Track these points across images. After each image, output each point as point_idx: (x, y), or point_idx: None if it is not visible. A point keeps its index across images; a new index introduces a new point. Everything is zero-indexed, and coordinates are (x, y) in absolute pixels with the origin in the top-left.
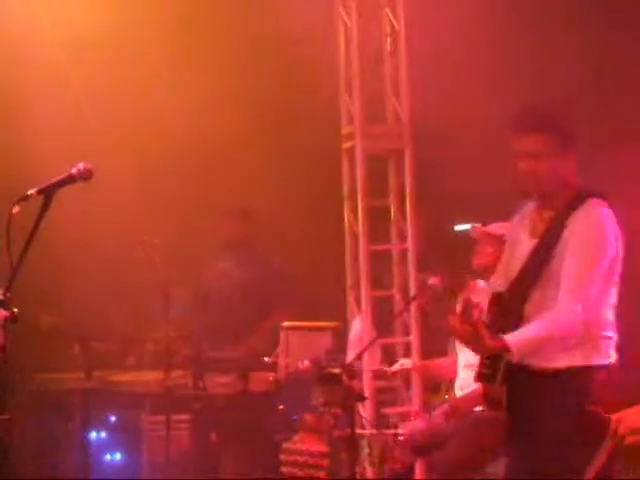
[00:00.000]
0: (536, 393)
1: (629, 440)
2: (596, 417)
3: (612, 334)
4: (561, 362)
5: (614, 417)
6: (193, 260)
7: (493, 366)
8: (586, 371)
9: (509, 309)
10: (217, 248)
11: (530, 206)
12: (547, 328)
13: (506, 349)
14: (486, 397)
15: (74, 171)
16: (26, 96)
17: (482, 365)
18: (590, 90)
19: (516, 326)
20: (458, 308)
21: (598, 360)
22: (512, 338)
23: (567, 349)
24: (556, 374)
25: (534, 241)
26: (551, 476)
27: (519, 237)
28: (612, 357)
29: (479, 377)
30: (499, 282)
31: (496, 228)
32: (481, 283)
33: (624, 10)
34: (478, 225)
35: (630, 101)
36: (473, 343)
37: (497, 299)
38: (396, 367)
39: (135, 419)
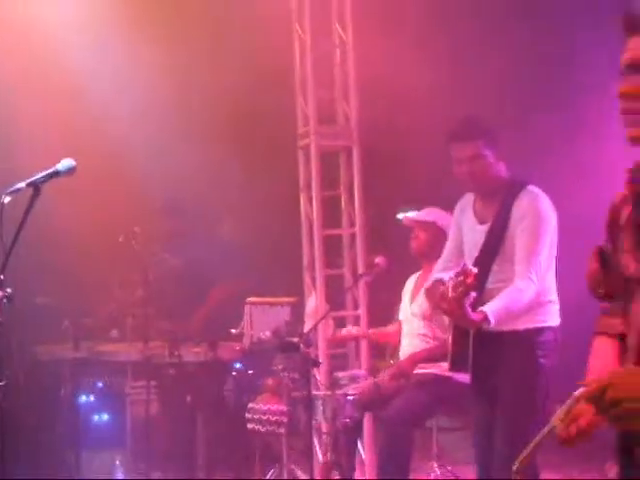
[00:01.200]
0: (497, 352)
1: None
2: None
3: (556, 299)
4: (518, 325)
5: (603, 380)
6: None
7: (464, 336)
8: (538, 331)
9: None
10: (160, 240)
11: (469, 198)
12: (514, 296)
13: (486, 319)
14: (452, 360)
15: (59, 166)
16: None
17: (454, 335)
18: (509, 99)
19: (479, 296)
20: (447, 291)
21: (547, 322)
22: (489, 309)
23: (525, 313)
24: (514, 335)
25: (485, 226)
26: (515, 418)
27: (468, 225)
28: (557, 320)
29: (453, 344)
30: (449, 263)
31: (426, 215)
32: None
33: (540, 39)
34: (408, 214)
35: (538, 110)
36: (460, 319)
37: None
38: (344, 331)
39: (119, 384)
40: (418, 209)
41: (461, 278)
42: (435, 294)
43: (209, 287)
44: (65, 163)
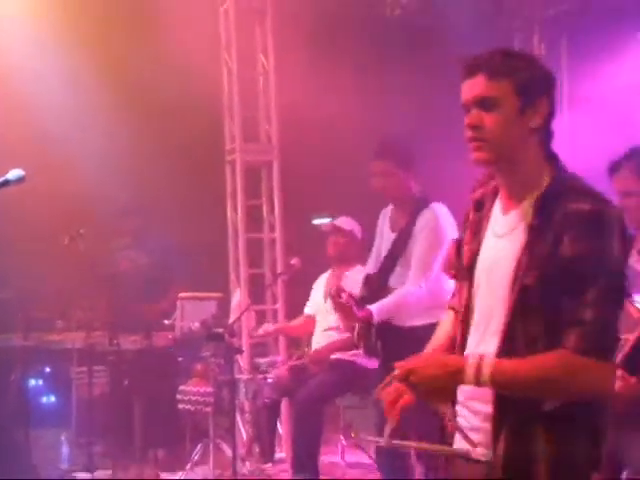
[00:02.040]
0: (400, 344)
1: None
2: None
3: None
4: (415, 321)
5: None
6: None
7: (366, 327)
8: (433, 326)
9: (378, 284)
10: (123, 238)
11: (389, 209)
12: (399, 297)
13: (371, 316)
14: (365, 349)
15: (9, 176)
16: None
17: (359, 327)
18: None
19: (384, 296)
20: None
21: (427, 320)
22: (374, 307)
23: (421, 312)
24: (412, 329)
25: (394, 234)
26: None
27: (384, 231)
28: (433, 318)
29: (359, 336)
30: (370, 268)
31: (342, 223)
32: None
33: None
34: (329, 221)
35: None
36: (348, 317)
37: (367, 280)
38: (260, 331)
39: (65, 370)
40: (330, 217)
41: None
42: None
43: (169, 283)
44: (15, 173)
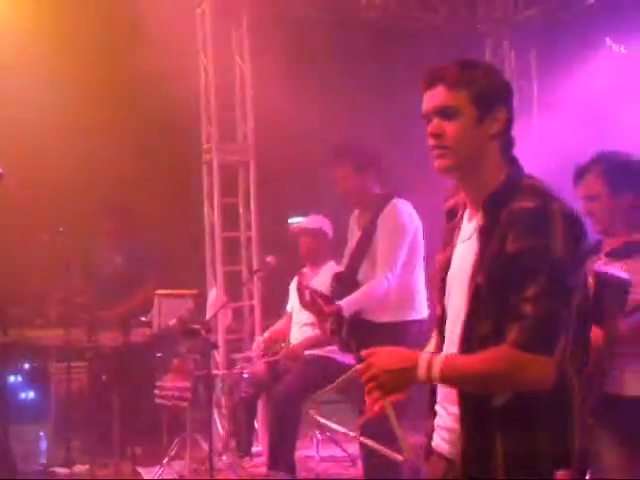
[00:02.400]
0: (371, 339)
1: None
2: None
3: (422, 295)
4: (386, 317)
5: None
6: (83, 245)
7: (338, 323)
8: (406, 324)
9: (348, 281)
10: (102, 237)
11: (356, 211)
12: (366, 291)
13: (341, 310)
14: (339, 344)
15: None
16: None
17: (332, 324)
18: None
19: (352, 288)
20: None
21: (413, 316)
22: (343, 301)
23: (390, 307)
24: (383, 325)
25: (360, 232)
26: None
27: (352, 230)
28: (424, 313)
29: (332, 332)
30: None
31: (310, 222)
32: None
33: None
34: (294, 223)
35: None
36: (317, 313)
37: (336, 277)
38: (255, 347)
39: (43, 366)
40: (304, 215)
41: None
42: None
43: (144, 279)
44: None
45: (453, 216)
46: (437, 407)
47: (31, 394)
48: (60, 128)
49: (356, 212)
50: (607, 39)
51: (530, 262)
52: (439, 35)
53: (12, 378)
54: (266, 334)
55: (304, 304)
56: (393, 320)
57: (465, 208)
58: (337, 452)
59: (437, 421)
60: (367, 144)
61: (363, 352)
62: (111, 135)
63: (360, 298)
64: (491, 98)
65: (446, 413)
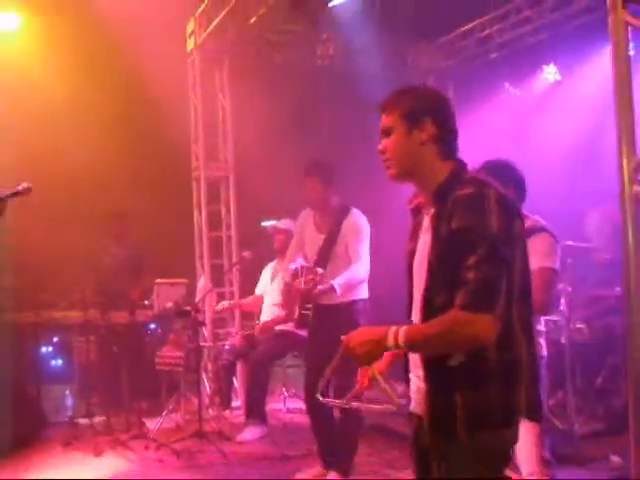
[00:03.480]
0: (326, 317)
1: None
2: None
3: (365, 281)
4: (340, 299)
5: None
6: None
7: (305, 306)
8: (355, 302)
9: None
10: (108, 238)
11: (309, 212)
12: (353, 273)
13: (333, 289)
14: (298, 321)
15: (19, 188)
16: None
17: (300, 308)
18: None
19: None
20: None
21: (360, 296)
22: (335, 282)
23: (348, 290)
24: (338, 306)
25: (323, 235)
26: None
27: (308, 233)
28: (367, 294)
29: (300, 315)
30: (295, 255)
31: (283, 224)
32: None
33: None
34: (271, 223)
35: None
36: (311, 299)
37: (295, 272)
38: (219, 307)
39: (68, 339)
40: (276, 218)
41: (311, 276)
42: (291, 289)
43: (143, 271)
44: (24, 185)
45: (417, 214)
46: (410, 375)
47: (59, 361)
48: (81, 151)
49: (310, 214)
50: (506, 84)
51: (470, 236)
52: (378, 78)
53: (44, 349)
54: (227, 304)
55: (290, 298)
56: (344, 300)
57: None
58: (300, 404)
59: (411, 386)
60: (332, 164)
61: (343, 337)
62: (119, 154)
63: (349, 279)
64: (416, 113)
65: (415, 377)
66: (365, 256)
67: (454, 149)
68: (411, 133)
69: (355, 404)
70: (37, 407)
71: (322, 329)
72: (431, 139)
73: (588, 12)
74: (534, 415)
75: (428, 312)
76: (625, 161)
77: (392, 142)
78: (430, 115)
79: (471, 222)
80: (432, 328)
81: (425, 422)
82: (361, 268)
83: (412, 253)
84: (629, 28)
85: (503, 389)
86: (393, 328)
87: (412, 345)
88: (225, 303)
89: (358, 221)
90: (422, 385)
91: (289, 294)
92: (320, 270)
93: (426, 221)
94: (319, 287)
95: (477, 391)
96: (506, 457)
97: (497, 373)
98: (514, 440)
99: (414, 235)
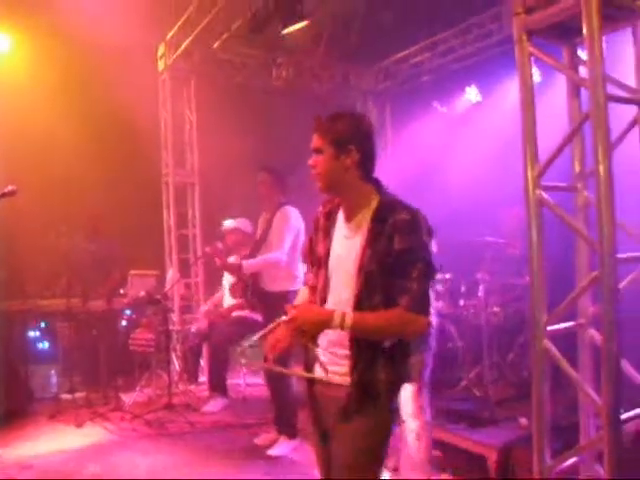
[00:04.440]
0: (267, 303)
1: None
2: None
3: (300, 273)
4: (277, 287)
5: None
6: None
7: (244, 289)
8: (289, 293)
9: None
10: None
11: (264, 214)
12: (262, 259)
13: (240, 267)
14: (248, 305)
15: (6, 190)
16: None
17: (241, 288)
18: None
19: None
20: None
21: (293, 287)
22: (245, 262)
23: (280, 280)
24: (274, 293)
25: (264, 226)
26: None
27: (260, 229)
28: (299, 286)
29: (240, 295)
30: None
31: (236, 223)
32: (232, 258)
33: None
34: (226, 225)
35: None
36: (225, 268)
37: (244, 257)
38: (203, 309)
39: (53, 325)
40: (233, 219)
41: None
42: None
43: (112, 265)
44: (9, 188)
45: (330, 217)
46: (322, 355)
47: (45, 344)
48: (64, 159)
49: (263, 214)
50: (435, 103)
51: (412, 255)
52: (325, 97)
53: (31, 333)
54: (209, 303)
55: (209, 256)
56: (281, 289)
57: (337, 211)
58: (258, 380)
59: (326, 362)
60: (282, 170)
61: (287, 307)
62: (98, 163)
63: (257, 262)
64: (344, 141)
65: (332, 355)
66: (282, 247)
67: (372, 171)
68: (338, 158)
69: (278, 368)
70: (25, 385)
71: (272, 314)
72: (354, 164)
73: (503, 43)
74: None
75: (363, 307)
76: (529, 169)
77: (321, 161)
78: (355, 144)
79: (412, 244)
80: (381, 321)
81: (352, 390)
82: (277, 254)
83: (328, 250)
84: (532, 58)
85: (405, 362)
86: (339, 312)
87: (357, 329)
88: (204, 307)
89: (286, 214)
90: (344, 362)
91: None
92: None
93: (348, 227)
94: (229, 259)
95: (395, 367)
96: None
97: (406, 354)
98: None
99: (326, 235)
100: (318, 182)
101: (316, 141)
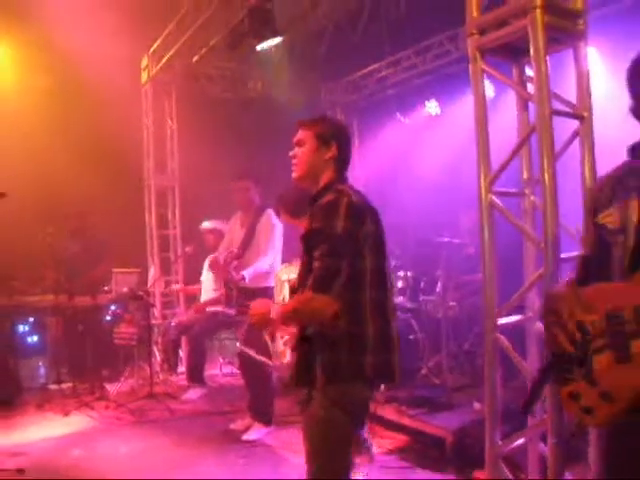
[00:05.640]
0: (252, 297)
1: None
2: None
3: (271, 272)
4: (258, 284)
5: (288, 304)
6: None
7: (231, 289)
8: (269, 288)
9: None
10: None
11: (237, 215)
12: (259, 264)
13: (243, 278)
14: (226, 301)
15: None
16: None
17: (228, 288)
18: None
19: (240, 266)
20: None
21: (271, 284)
22: (245, 272)
23: (262, 278)
24: (257, 290)
25: (244, 229)
26: None
27: (235, 231)
28: (273, 283)
29: (227, 294)
30: (229, 247)
31: (215, 224)
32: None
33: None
34: (204, 226)
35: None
36: (228, 281)
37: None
38: (173, 287)
39: (42, 319)
40: (213, 219)
41: (230, 256)
42: (215, 264)
43: (97, 263)
44: None
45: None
46: (282, 345)
47: (34, 338)
48: (52, 163)
49: (238, 214)
50: (398, 113)
51: (319, 235)
52: (297, 108)
53: (21, 328)
54: (178, 285)
55: (216, 268)
56: (264, 285)
57: None
58: (234, 370)
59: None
60: (259, 173)
61: (248, 304)
62: (83, 167)
63: (255, 272)
64: (326, 137)
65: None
66: (270, 250)
67: (345, 169)
68: (319, 150)
69: (250, 352)
70: (15, 376)
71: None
72: (332, 159)
73: (460, 61)
74: (385, 379)
75: (302, 290)
76: (482, 176)
77: (302, 153)
78: (336, 140)
79: (322, 224)
80: (295, 303)
81: (292, 375)
82: (266, 260)
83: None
84: (485, 75)
85: (349, 354)
86: (275, 305)
87: (285, 317)
88: (175, 286)
89: (270, 220)
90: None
91: (217, 273)
92: (235, 250)
93: None
94: (233, 274)
95: (330, 355)
96: (357, 407)
97: (345, 341)
98: (364, 397)
99: None
100: (295, 171)
101: (300, 134)
